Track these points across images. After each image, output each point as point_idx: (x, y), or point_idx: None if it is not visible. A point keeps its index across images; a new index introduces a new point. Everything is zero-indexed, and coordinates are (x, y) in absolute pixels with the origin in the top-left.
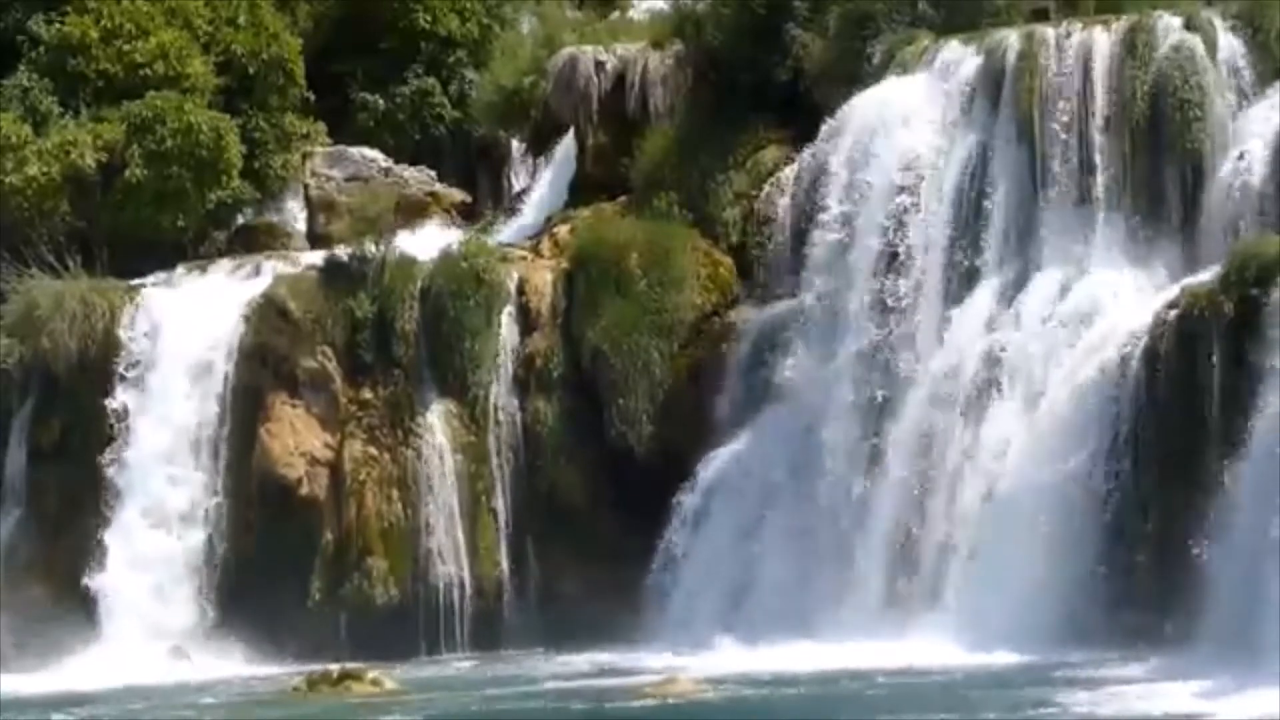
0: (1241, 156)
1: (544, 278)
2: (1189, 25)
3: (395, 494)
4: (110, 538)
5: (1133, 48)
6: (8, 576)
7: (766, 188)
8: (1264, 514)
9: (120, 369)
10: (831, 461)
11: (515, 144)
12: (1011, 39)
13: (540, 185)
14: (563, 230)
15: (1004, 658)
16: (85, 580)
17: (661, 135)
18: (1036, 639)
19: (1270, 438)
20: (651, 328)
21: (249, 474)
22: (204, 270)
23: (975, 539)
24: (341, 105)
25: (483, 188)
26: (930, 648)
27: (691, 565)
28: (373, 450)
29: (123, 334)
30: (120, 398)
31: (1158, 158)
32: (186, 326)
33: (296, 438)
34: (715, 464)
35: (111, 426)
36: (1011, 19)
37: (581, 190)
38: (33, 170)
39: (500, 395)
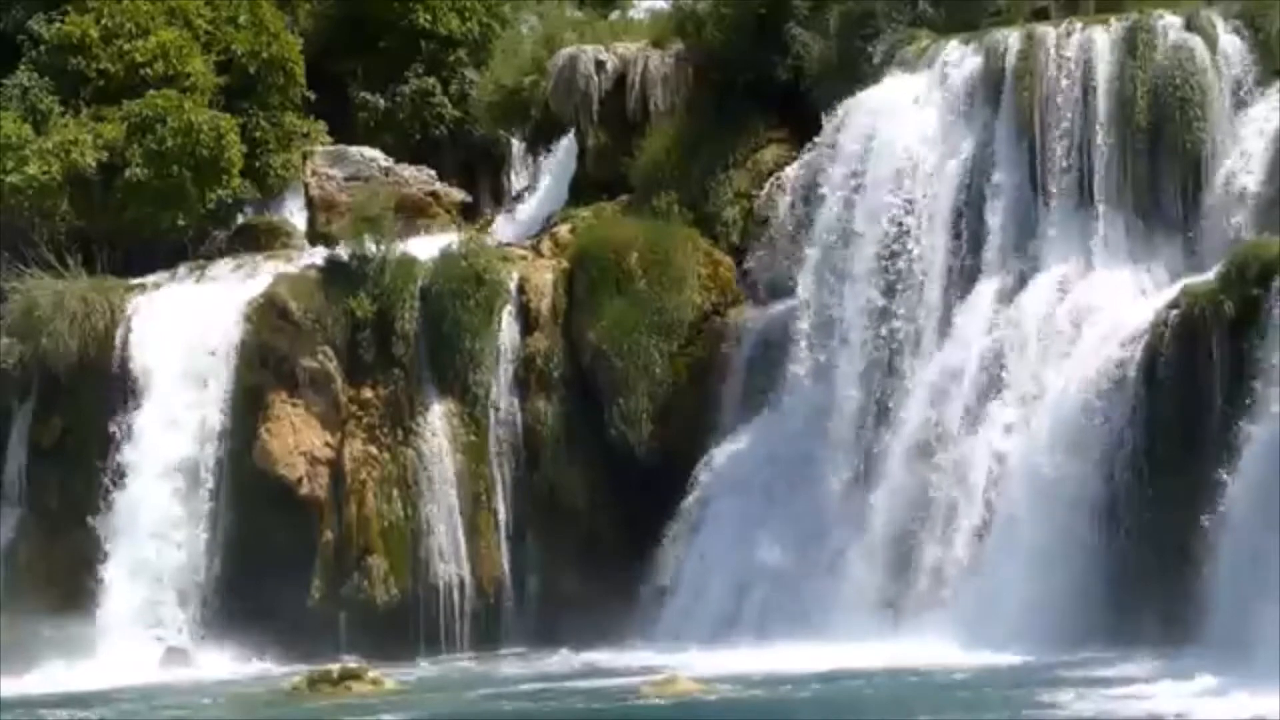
0: (1241, 156)
1: (544, 277)
2: (1189, 25)
3: (395, 493)
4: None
5: (1133, 47)
6: (8, 576)
7: (767, 187)
8: (1263, 513)
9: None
10: (832, 461)
11: (515, 144)
12: (1011, 39)
13: (540, 185)
14: (563, 230)
15: (1003, 658)
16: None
17: (662, 135)
18: (1035, 639)
19: (1270, 437)
20: (651, 327)
21: (249, 473)
22: (204, 269)
23: (974, 539)
24: (342, 104)
25: (483, 188)
26: (929, 648)
27: (691, 565)
28: (373, 450)
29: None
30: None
31: (1158, 158)
32: (186, 326)
33: (297, 437)
34: (715, 464)
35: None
36: (1012, 18)
37: (582, 190)
38: (33, 169)
39: (500, 395)
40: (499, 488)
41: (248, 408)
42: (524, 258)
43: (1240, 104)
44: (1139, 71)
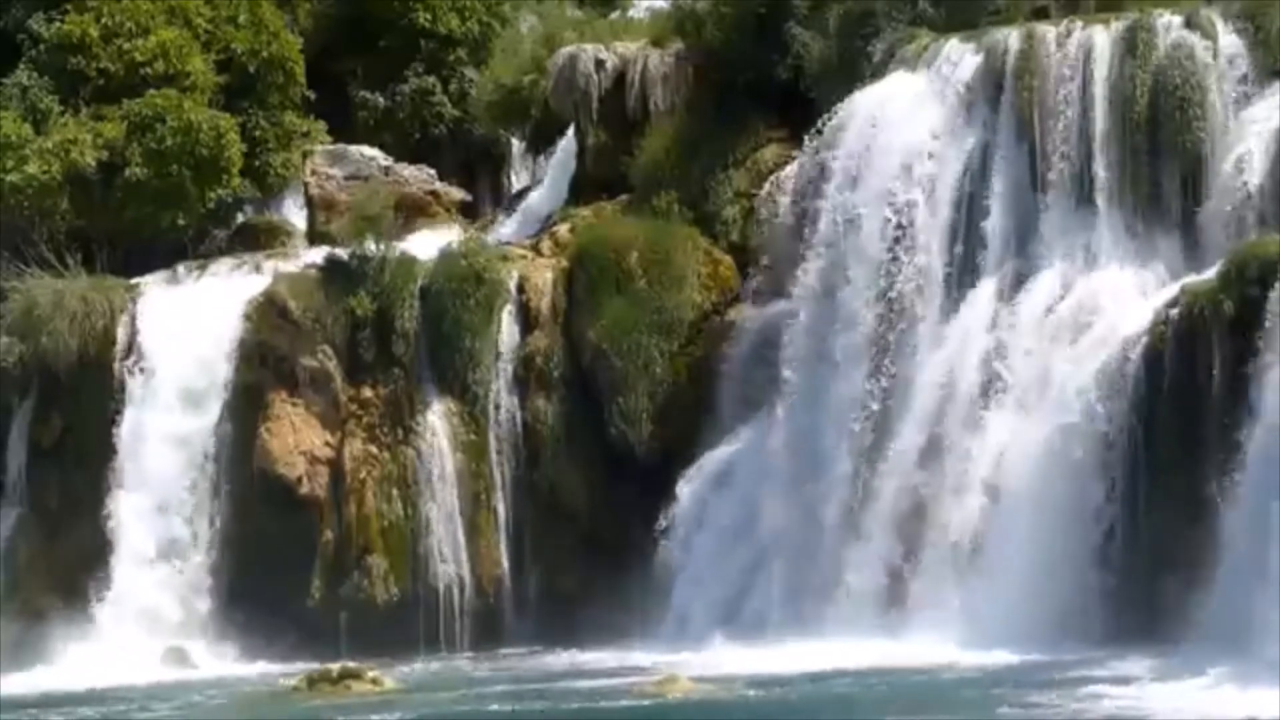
0: (1241, 156)
1: (544, 276)
2: (1189, 24)
3: (395, 493)
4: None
5: (1133, 46)
6: (7, 576)
7: (767, 186)
8: (1262, 513)
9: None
10: (831, 461)
11: (515, 143)
12: (1011, 38)
13: (540, 184)
14: (563, 229)
15: (1001, 657)
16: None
17: (661, 134)
18: (1033, 639)
19: (1270, 437)
20: (652, 326)
21: (249, 473)
22: (204, 269)
23: (974, 539)
24: (342, 104)
25: (483, 187)
26: (927, 648)
27: (691, 564)
28: (373, 449)
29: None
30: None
31: (1158, 157)
32: (186, 326)
33: (296, 436)
34: (715, 463)
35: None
36: (1012, 18)
37: (581, 189)
38: (33, 169)
39: (500, 394)
40: (499, 487)
41: (248, 407)
42: (524, 257)
43: (1240, 103)
44: (1139, 71)
